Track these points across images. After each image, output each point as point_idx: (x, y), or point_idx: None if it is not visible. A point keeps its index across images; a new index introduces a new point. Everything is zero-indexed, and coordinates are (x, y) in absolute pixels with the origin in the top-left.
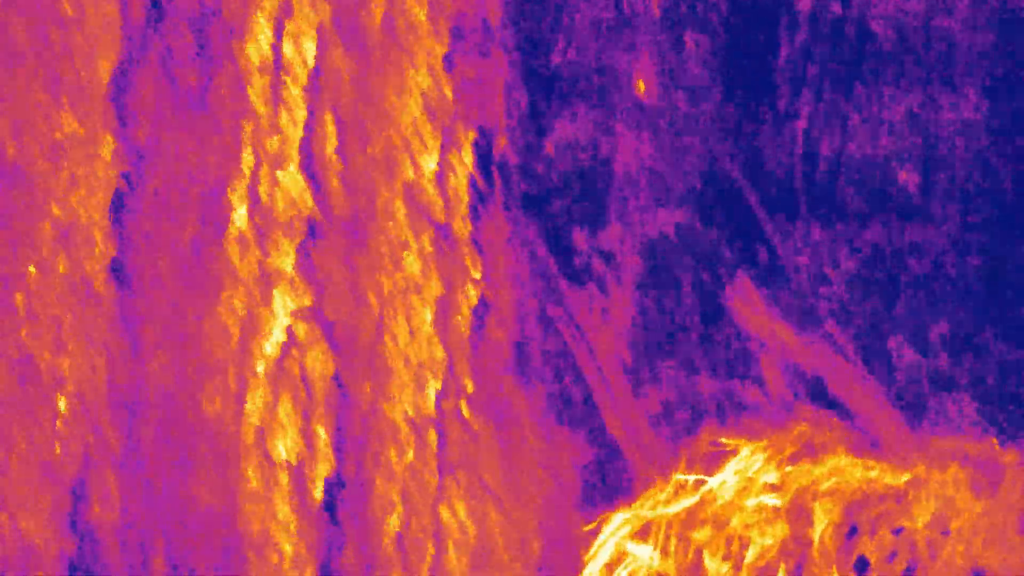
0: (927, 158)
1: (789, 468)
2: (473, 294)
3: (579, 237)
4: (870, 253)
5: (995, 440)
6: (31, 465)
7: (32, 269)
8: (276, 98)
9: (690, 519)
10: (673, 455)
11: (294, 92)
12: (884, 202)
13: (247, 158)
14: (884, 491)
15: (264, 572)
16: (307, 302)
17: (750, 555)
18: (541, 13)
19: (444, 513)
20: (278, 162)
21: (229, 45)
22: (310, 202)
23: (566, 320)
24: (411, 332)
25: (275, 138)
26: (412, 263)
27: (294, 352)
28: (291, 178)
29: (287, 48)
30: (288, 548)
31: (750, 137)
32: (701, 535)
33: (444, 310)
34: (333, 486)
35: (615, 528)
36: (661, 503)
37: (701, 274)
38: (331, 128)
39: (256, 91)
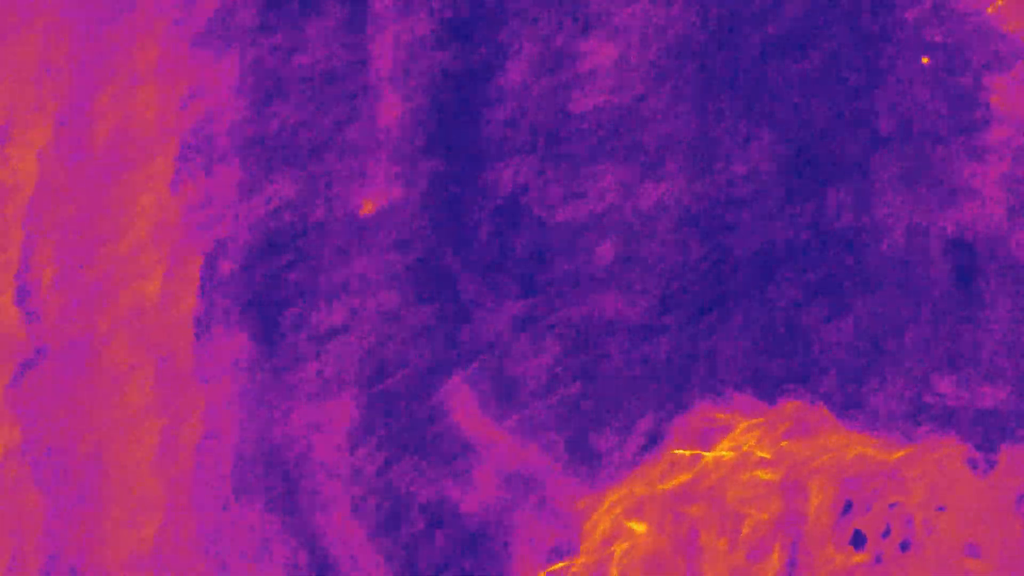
0: (625, 233)
1: (784, 444)
2: (197, 423)
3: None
4: (572, 332)
5: None
6: None
7: None
8: None
9: (685, 495)
10: (392, 566)
11: (10, 217)
12: (584, 276)
13: None
14: (879, 467)
15: None
16: (17, 437)
17: (745, 530)
18: (271, 132)
19: None
20: None
21: None
22: (23, 334)
23: (289, 435)
24: (133, 466)
25: None
26: (135, 394)
27: (4, 490)
28: (4, 309)
29: (3, 172)
30: None
31: (460, 211)
32: (696, 511)
33: (168, 442)
34: None
35: (611, 504)
36: (657, 479)
37: (415, 365)
38: (49, 254)
39: None
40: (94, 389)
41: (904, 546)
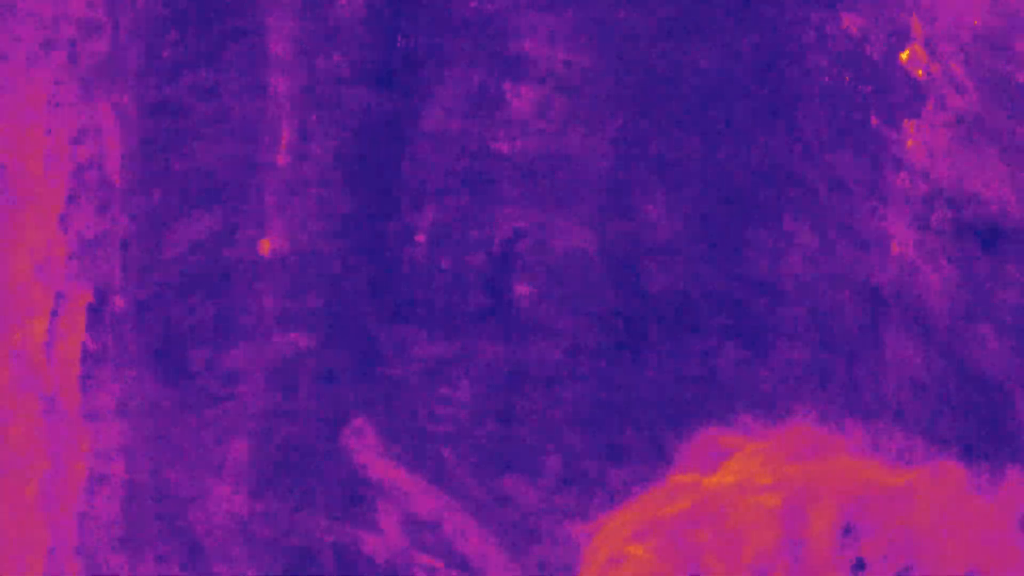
0: (542, 276)
1: (786, 468)
2: (81, 470)
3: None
4: (488, 373)
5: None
6: None
7: None
8: None
9: (687, 520)
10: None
11: None
12: (500, 318)
13: None
14: (881, 491)
15: None
16: None
17: (747, 555)
18: (163, 170)
19: None
20: None
21: None
22: None
23: (183, 480)
24: (14, 512)
25: None
26: (19, 437)
27: None
28: None
29: None
30: None
31: (374, 252)
32: (698, 536)
33: (51, 488)
34: None
35: (612, 530)
36: (658, 504)
37: (323, 408)
38: None
39: None
40: None
41: (906, 571)
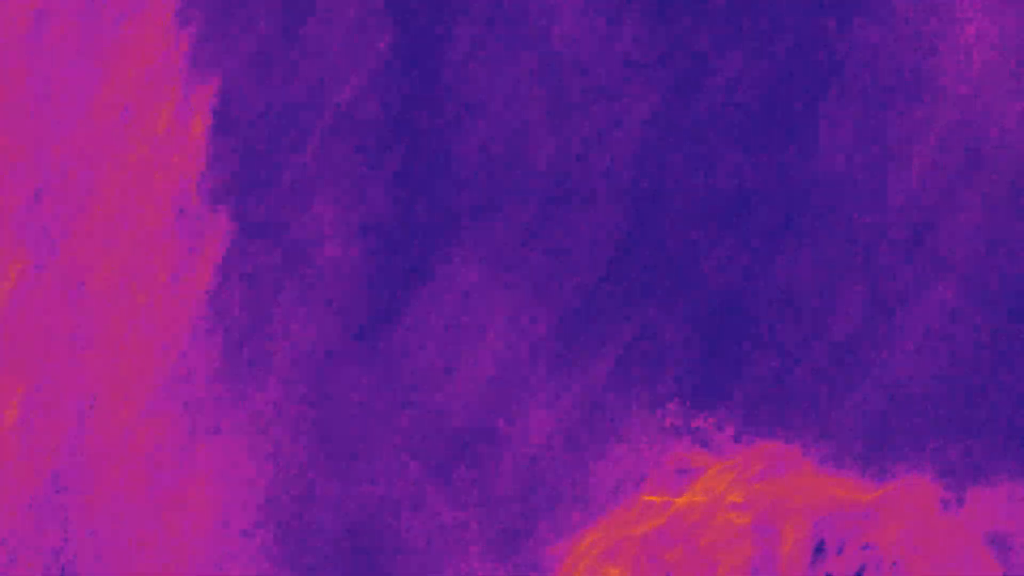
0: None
1: (757, 486)
2: (215, 255)
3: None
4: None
5: None
6: None
7: None
8: None
9: (660, 539)
10: None
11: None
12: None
13: None
14: (851, 508)
15: None
16: (29, 271)
17: (719, 573)
18: None
19: None
20: None
21: None
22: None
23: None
24: (147, 307)
25: None
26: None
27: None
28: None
29: None
30: None
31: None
32: (671, 555)
33: (178, 277)
34: None
35: (586, 549)
36: (631, 523)
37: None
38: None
39: None
40: (101, 222)
41: None
